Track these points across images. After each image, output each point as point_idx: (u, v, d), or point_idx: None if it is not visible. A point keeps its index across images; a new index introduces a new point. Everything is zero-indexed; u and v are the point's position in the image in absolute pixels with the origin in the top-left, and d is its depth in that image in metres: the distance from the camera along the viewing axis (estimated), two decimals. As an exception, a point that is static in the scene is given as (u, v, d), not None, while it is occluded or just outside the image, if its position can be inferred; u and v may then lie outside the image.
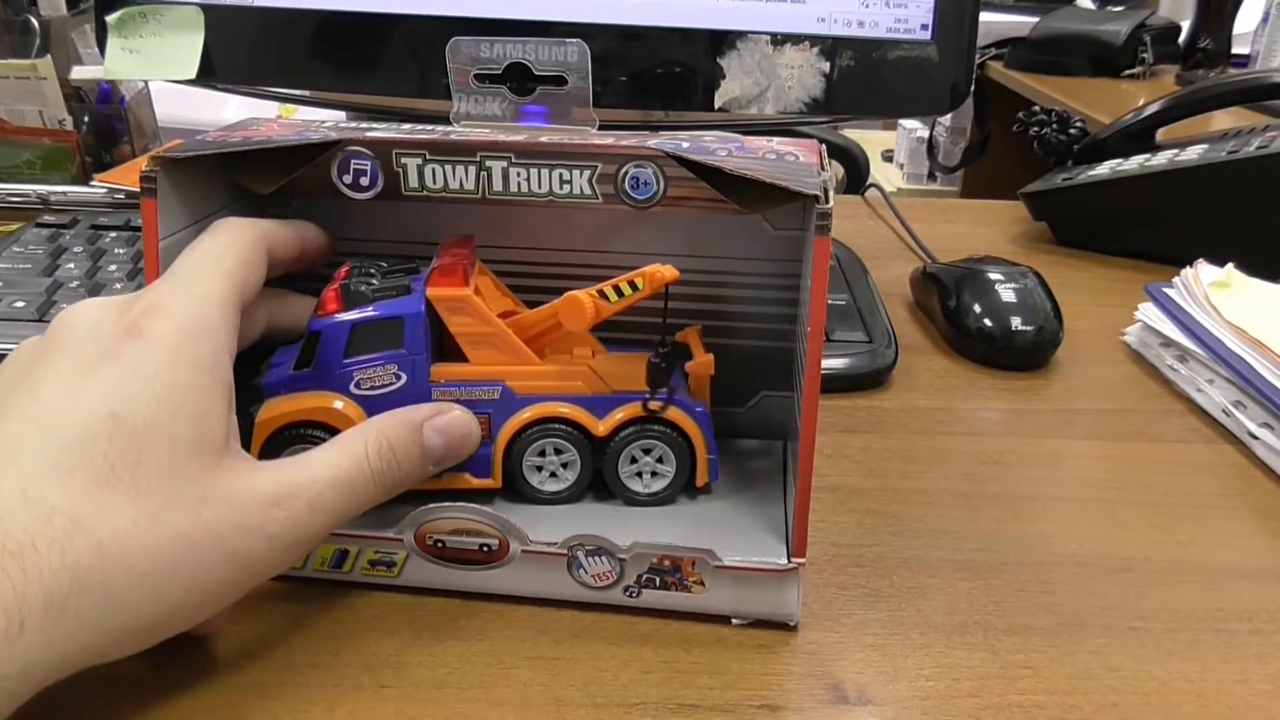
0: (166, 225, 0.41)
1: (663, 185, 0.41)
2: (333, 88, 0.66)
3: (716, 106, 0.64)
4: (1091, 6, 2.11)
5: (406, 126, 0.44)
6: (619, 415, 0.45)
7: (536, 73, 0.45)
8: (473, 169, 0.41)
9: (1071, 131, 0.93)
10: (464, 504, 0.41)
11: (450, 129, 0.44)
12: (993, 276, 0.67)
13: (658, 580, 0.41)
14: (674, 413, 0.45)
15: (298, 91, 0.71)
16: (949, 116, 2.30)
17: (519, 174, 0.41)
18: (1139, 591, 0.44)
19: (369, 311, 0.42)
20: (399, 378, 0.42)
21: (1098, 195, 0.86)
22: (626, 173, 0.41)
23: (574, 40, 0.45)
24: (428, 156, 0.41)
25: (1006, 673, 0.39)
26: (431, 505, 0.41)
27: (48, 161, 0.90)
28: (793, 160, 0.41)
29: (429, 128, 0.44)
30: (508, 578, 0.41)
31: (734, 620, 0.41)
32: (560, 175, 0.41)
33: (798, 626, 0.41)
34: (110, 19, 0.61)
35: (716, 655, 0.39)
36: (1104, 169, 0.87)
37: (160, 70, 0.62)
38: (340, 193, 0.42)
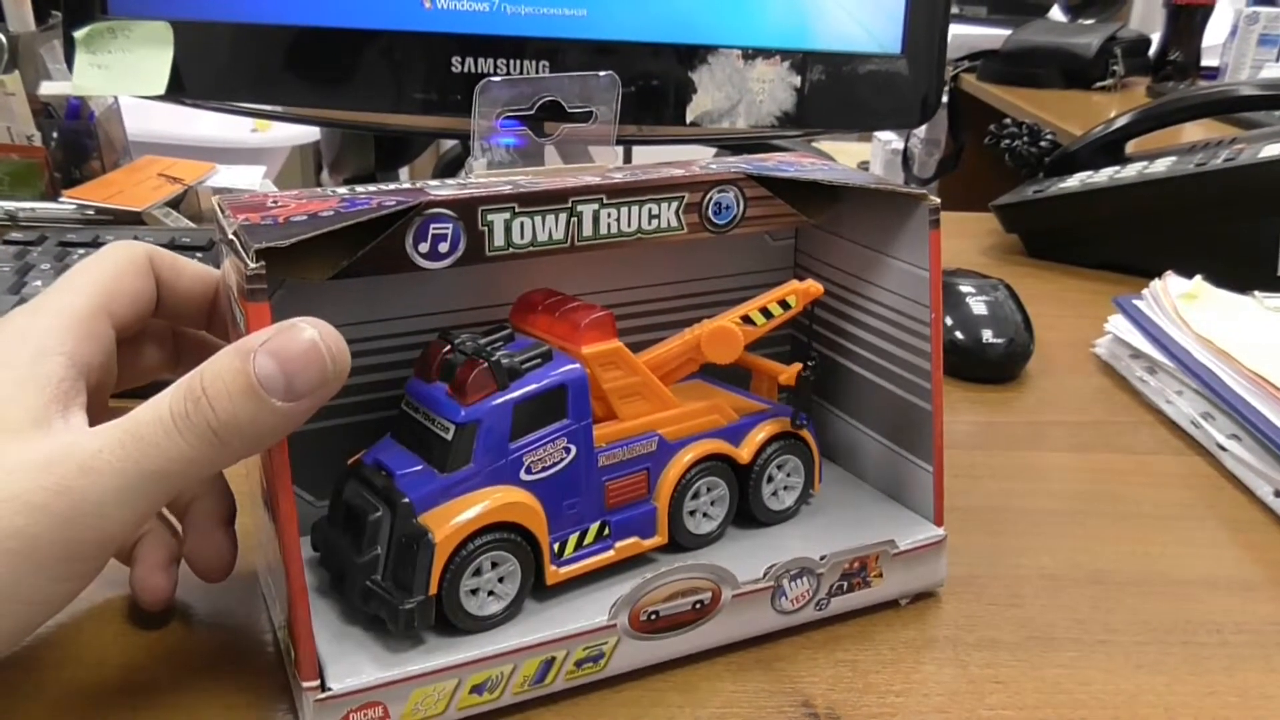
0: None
1: (742, 207, 0.42)
2: (306, 103, 0.66)
3: (688, 121, 0.65)
4: (1063, 19, 2.13)
5: (451, 182, 0.40)
6: (758, 437, 0.44)
7: (567, 108, 0.43)
8: (564, 216, 0.39)
9: (1042, 144, 0.94)
10: (681, 564, 0.39)
11: (490, 179, 0.41)
12: (964, 289, 0.67)
13: (846, 585, 0.42)
14: (798, 431, 0.45)
15: (269, 107, 0.71)
16: (923, 129, 2.30)
17: (610, 215, 0.39)
18: (1108, 604, 0.44)
19: (529, 386, 0.39)
20: (569, 451, 0.40)
21: (1068, 207, 0.87)
22: (711, 199, 0.41)
23: (606, 74, 0.43)
24: (517, 209, 0.38)
25: (975, 687, 0.39)
26: (648, 577, 0.38)
27: (16, 178, 0.89)
28: (841, 168, 0.45)
29: (476, 182, 0.40)
30: (715, 631, 0.40)
31: (902, 601, 0.44)
32: (650, 210, 0.40)
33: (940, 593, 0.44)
34: (78, 34, 0.60)
35: (686, 675, 0.39)
36: (1074, 181, 0.88)
37: (129, 86, 0.62)
38: (413, 264, 0.37)
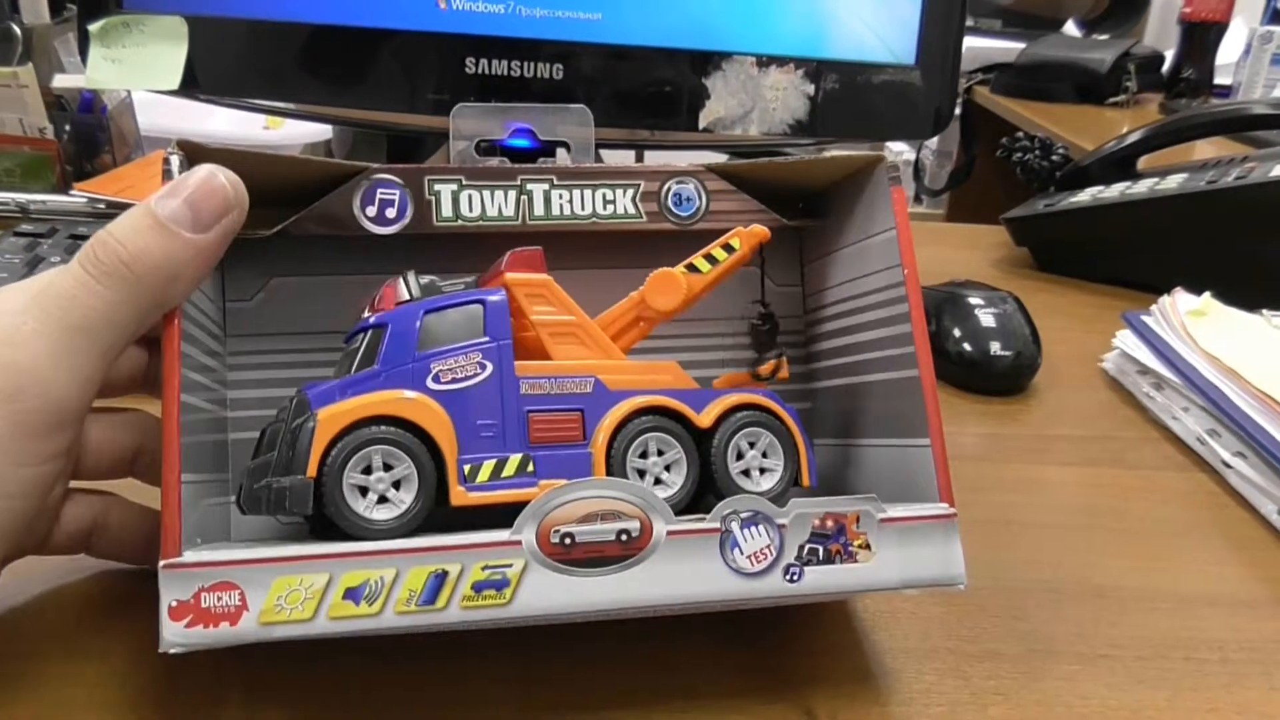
0: None
1: (705, 200, 0.41)
2: (319, 101, 0.66)
3: (701, 127, 0.65)
4: (1078, 34, 2.13)
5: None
6: (721, 403, 0.41)
7: (540, 137, 0.45)
8: (513, 193, 0.39)
9: (1054, 158, 0.94)
10: (598, 479, 0.36)
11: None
12: (973, 301, 0.67)
13: (821, 552, 0.36)
14: (769, 404, 0.41)
15: (283, 104, 0.71)
16: (935, 140, 2.31)
17: (561, 196, 0.40)
18: (1111, 619, 0.44)
19: (444, 299, 0.39)
20: (483, 367, 0.38)
21: (1079, 222, 0.87)
22: (669, 189, 0.41)
23: (579, 106, 0.44)
24: (464, 182, 0.39)
25: (977, 699, 0.39)
26: (558, 488, 0.35)
27: (27, 170, 0.89)
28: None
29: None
30: (652, 580, 0.35)
31: (907, 590, 0.37)
32: (604, 195, 0.40)
33: (962, 586, 0.37)
34: (93, 27, 0.61)
35: (691, 680, 0.39)
36: (1085, 196, 0.88)
37: (142, 80, 0.62)
38: (361, 228, 0.39)
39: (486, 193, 0.39)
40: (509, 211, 0.39)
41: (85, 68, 0.62)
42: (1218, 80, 1.75)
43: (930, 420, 0.39)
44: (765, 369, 0.43)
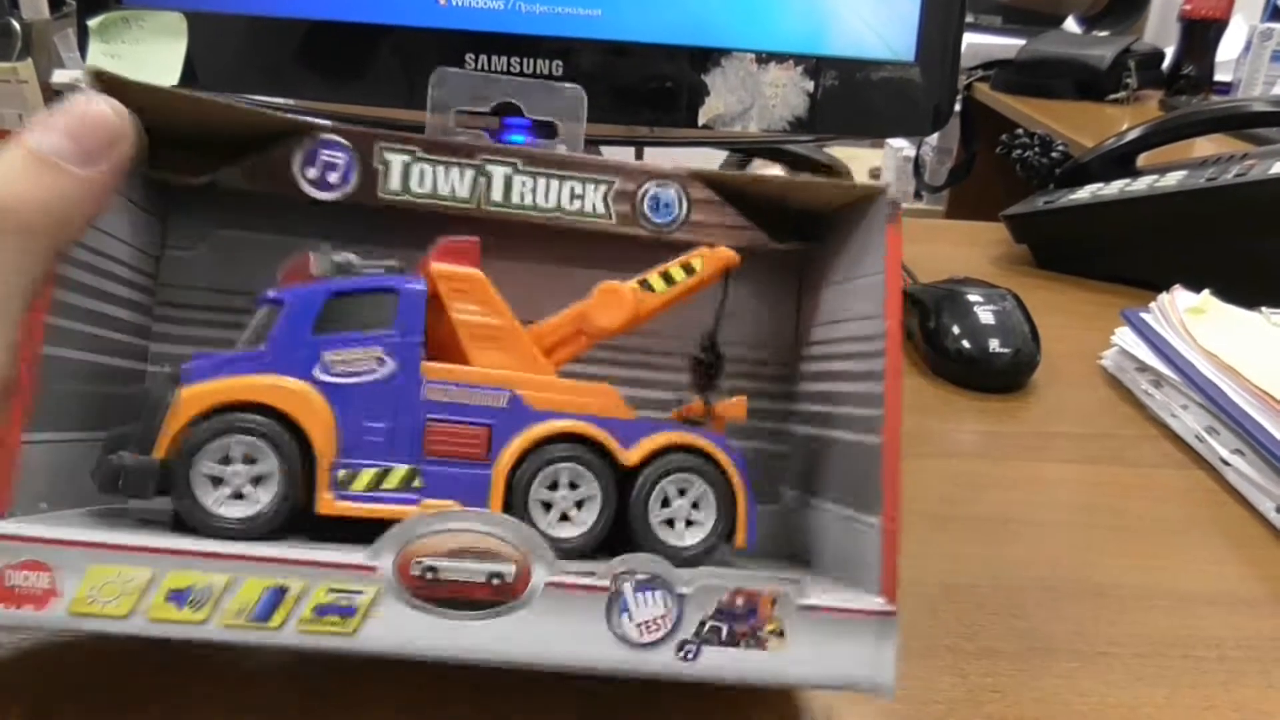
0: None
1: (685, 208, 0.37)
2: (318, 97, 0.66)
3: (700, 123, 0.65)
4: (1078, 31, 2.12)
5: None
6: (652, 440, 0.36)
7: (527, 115, 0.41)
8: (470, 173, 0.36)
9: (1053, 155, 0.94)
10: (474, 511, 0.32)
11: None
12: (972, 298, 0.67)
13: (724, 631, 0.31)
14: (710, 448, 0.37)
15: (282, 100, 0.71)
16: (936, 136, 2.31)
17: (524, 184, 0.36)
18: (1109, 616, 0.44)
19: (352, 280, 0.35)
20: (383, 363, 0.34)
21: (1078, 219, 0.87)
22: (647, 192, 0.37)
23: (571, 85, 0.41)
24: (418, 153, 0.35)
25: (974, 696, 0.39)
26: (428, 513, 0.31)
27: (28, 164, 0.89)
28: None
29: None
30: (519, 632, 0.31)
31: (821, 689, 0.34)
32: (572, 189, 0.37)
33: (890, 696, 0.33)
34: (92, 23, 0.61)
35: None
36: (1084, 193, 0.88)
37: (142, 75, 0.62)
38: (300, 190, 0.35)
39: (441, 169, 0.36)
40: (463, 192, 0.36)
41: (84, 63, 0.62)
42: (1218, 77, 1.75)
43: (886, 496, 0.34)
44: (690, 409, 0.39)
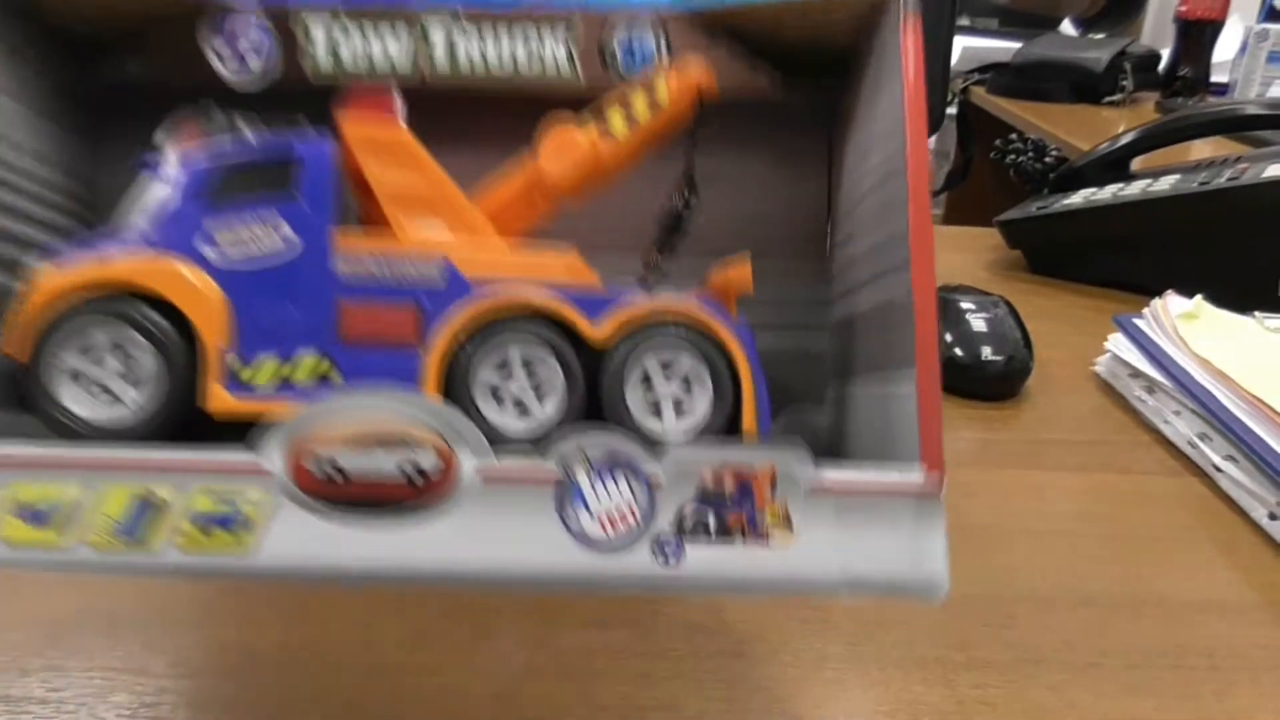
0: None
1: (666, 55, 0.32)
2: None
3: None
4: (1074, 34, 2.13)
5: None
6: (625, 312, 0.30)
7: None
8: (405, 35, 0.31)
9: (1047, 160, 0.94)
10: (376, 388, 0.26)
11: None
12: (964, 306, 0.67)
13: (713, 520, 0.25)
14: (701, 315, 0.30)
15: None
16: (932, 140, 2.31)
17: (470, 43, 0.31)
18: (1100, 626, 0.44)
19: (248, 145, 0.30)
20: (284, 239, 0.29)
21: (1071, 224, 0.87)
22: (616, 37, 0.32)
23: None
24: (341, 13, 0.30)
25: (964, 709, 0.39)
26: (324, 403, 0.25)
27: None
28: None
29: None
30: (450, 537, 0.25)
31: (850, 595, 0.27)
32: (525, 38, 0.31)
33: (942, 595, 0.27)
34: None
35: (675, 691, 0.39)
36: (1078, 198, 0.87)
37: None
38: (214, 72, 0.31)
39: (372, 32, 0.31)
40: (403, 62, 0.31)
41: None
42: (1214, 78, 1.75)
43: (920, 347, 0.27)
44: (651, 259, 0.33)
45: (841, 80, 0.34)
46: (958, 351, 0.65)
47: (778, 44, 0.33)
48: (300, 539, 0.25)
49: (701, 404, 0.31)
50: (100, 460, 0.25)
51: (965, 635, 0.43)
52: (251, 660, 0.39)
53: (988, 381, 0.65)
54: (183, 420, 0.29)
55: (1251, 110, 0.89)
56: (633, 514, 0.25)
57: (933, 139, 2.20)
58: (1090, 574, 0.48)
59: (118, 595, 0.42)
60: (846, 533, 0.25)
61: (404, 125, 0.31)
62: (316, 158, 0.30)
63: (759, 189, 0.36)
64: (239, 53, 0.30)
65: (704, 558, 0.25)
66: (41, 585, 0.42)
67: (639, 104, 0.31)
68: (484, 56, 0.31)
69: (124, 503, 0.25)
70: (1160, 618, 0.45)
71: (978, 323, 0.66)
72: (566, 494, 0.25)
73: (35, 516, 0.25)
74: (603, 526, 0.25)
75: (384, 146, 0.31)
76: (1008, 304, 0.68)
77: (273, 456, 0.25)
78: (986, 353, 0.65)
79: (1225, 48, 1.75)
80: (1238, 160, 0.83)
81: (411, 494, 0.25)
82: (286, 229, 0.30)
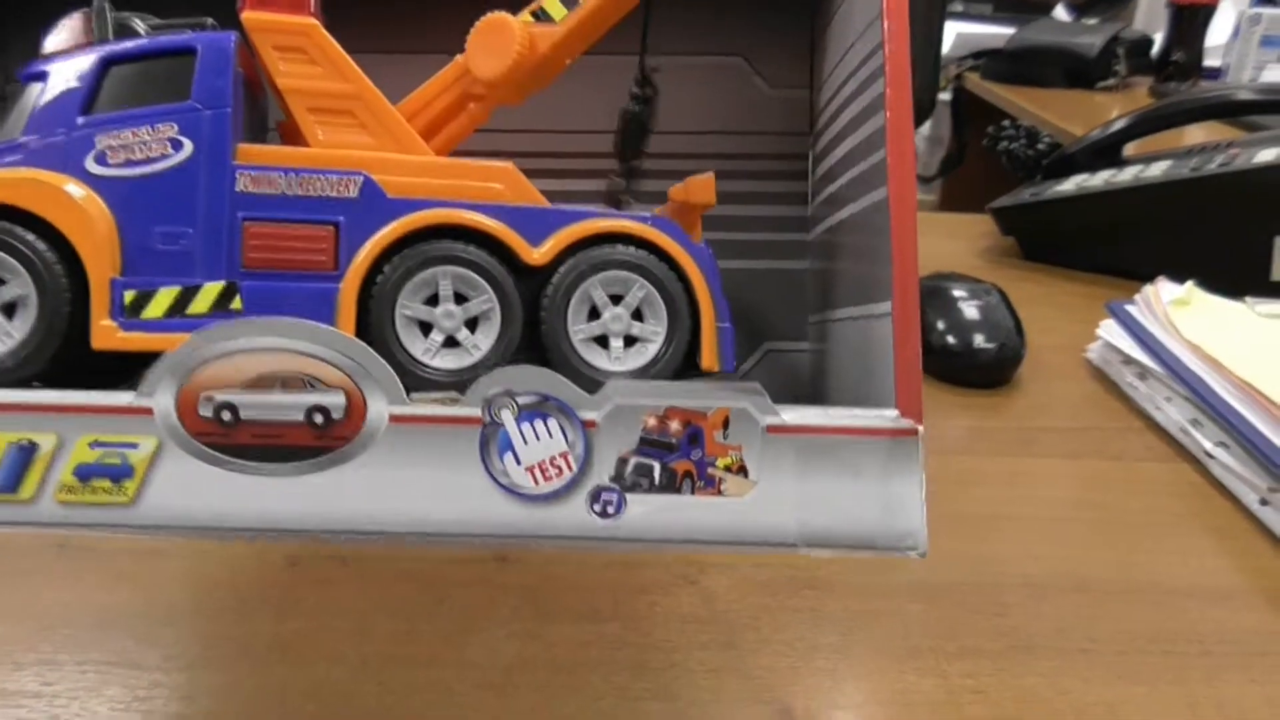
0: None
1: None
2: None
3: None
4: (1067, 19, 2.12)
5: None
6: (569, 231, 0.27)
7: None
8: None
9: (1040, 146, 0.94)
10: (279, 321, 0.23)
11: None
12: (956, 293, 0.67)
13: (658, 470, 0.22)
14: (654, 235, 0.27)
15: None
16: (927, 126, 2.30)
17: None
18: (1091, 613, 0.44)
19: (137, 42, 0.27)
20: (178, 146, 0.26)
21: (1064, 211, 0.87)
22: None
23: None
24: None
25: (955, 697, 0.39)
26: (212, 331, 0.22)
27: None
28: None
29: None
30: (360, 486, 0.22)
31: (814, 551, 0.23)
32: None
33: (920, 550, 0.24)
34: None
35: (667, 681, 0.39)
36: (1070, 185, 0.87)
37: None
38: None
39: None
40: None
41: None
42: (1207, 62, 1.75)
43: (896, 272, 0.24)
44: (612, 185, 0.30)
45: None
46: (950, 339, 0.65)
47: None
48: (186, 488, 0.22)
49: (656, 336, 0.28)
50: None
51: (957, 624, 0.43)
52: (244, 653, 0.39)
53: (980, 369, 0.65)
54: (69, 357, 0.26)
55: (1243, 95, 0.89)
56: (566, 462, 0.23)
57: (927, 125, 2.20)
58: (1082, 561, 0.48)
59: (111, 588, 0.42)
60: (809, 481, 0.23)
61: (316, 16, 0.28)
62: (213, 51, 0.26)
63: (734, 100, 0.34)
64: None
65: (647, 510, 0.23)
66: (36, 578, 0.42)
67: None
68: None
69: (1, 450, 0.22)
70: (1151, 604, 0.45)
71: (970, 310, 0.66)
72: (491, 440, 0.22)
73: None
74: (533, 476, 0.23)
75: (292, 40, 0.27)
76: (1000, 291, 0.68)
77: (163, 398, 0.22)
78: (978, 340, 0.65)
79: (1218, 32, 1.75)
80: (1230, 145, 0.83)
81: (314, 439, 0.22)
82: (179, 136, 0.26)
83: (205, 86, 0.26)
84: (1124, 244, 0.85)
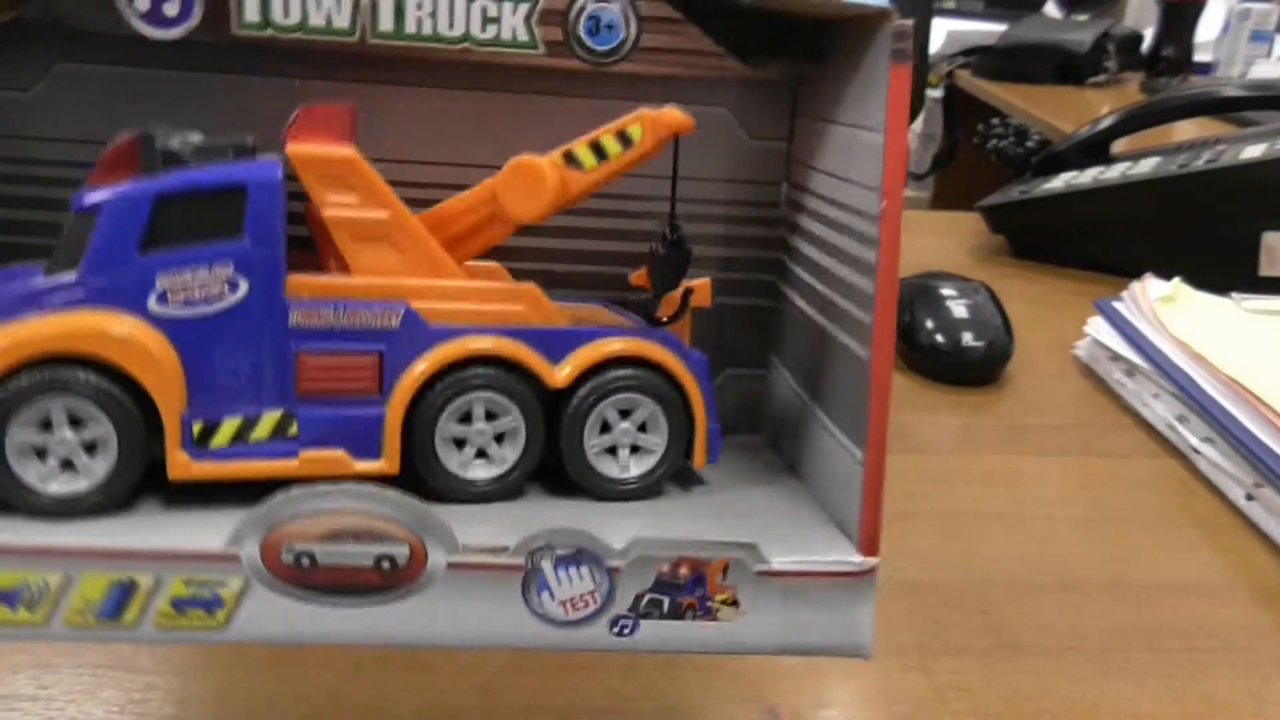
0: None
1: (634, 30, 0.30)
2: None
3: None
4: (1058, 15, 2.13)
5: None
6: (586, 354, 0.31)
7: None
8: None
9: (1028, 144, 0.94)
10: (350, 486, 0.26)
11: None
12: (945, 292, 0.68)
13: (667, 604, 0.27)
14: (663, 354, 0.31)
15: None
16: (920, 123, 2.31)
17: (420, 5, 0.29)
18: (1077, 610, 0.45)
19: (186, 175, 0.28)
20: (234, 287, 0.28)
21: (1052, 208, 0.87)
22: (583, 9, 0.30)
23: None
24: None
25: (940, 695, 0.39)
26: (295, 492, 0.26)
27: None
28: None
29: None
30: (419, 616, 0.26)
31: (780, 654, 0.29)
32: (484, 9, 0.29)
33: (867, 654, 0.29)
34: None
35: (656, 680, 0.40)
36: (1059, 182, 0.88)
37: None
38: (128, 27, 0.28)
39: None
40: (341, 21, 0.28)
41: None
42: (1197, 57, 1.75)
43: (871, 430, 0.28)
44: (665, 310, 0.34)
45: (808, 52, 0.34)
46: (939, 338, 0.65)
47: (749, 24, 0.32)
48: (271, 616, 0.26)
49: (658, 446, 0.32)
50: (79, 549, 0.26)
51: (943, 621, 0.43)
52: (237, 656, 0.39)
53: (968, 367, 0.65)
54: (143, 480, 0.29)
55: (1229, 92, 0.89)
56: (594, 598, 0.27)
57: (920, 122, 2.20)
58: (1069, 558, 0.48)
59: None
60: (789, 610, 0.28)
61: (356, 149, 0.30)
62: (264, 191, 0.28)
63: (713, 147, 0.36)
64: (156, 2, 0.27)
65: (657, 632, 0.28)
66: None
67: (610, 141, 0.31)
68: (434, 22, 0.29)
69: (103, 588, 0.25)
70: (1137, 600, 0.45)
71: (958, 309, 0.67)
72: (531, 582, 0.27)
73: (9, 599, 0.25)
74: (564, 608, 0.27)
75: (335, 170, 0.29)
76: (988, 290, 0.69)
77: (249, 548, 0.26)
78: (967, 339, 0.65)
79: (1208, 27, 1.76)
80: (1217, 142, 0.83)
81: (381, 580, 0.26)
82: (236, 275, 0.28)
83: (257, 224, 0.28)
84: (1113, 241, 0.85)
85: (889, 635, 0.42)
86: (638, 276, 0.35)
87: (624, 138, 0.31)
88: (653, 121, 0.31)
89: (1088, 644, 0.42)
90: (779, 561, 0.28)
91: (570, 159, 0.31)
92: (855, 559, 0.28)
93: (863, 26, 0.29)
